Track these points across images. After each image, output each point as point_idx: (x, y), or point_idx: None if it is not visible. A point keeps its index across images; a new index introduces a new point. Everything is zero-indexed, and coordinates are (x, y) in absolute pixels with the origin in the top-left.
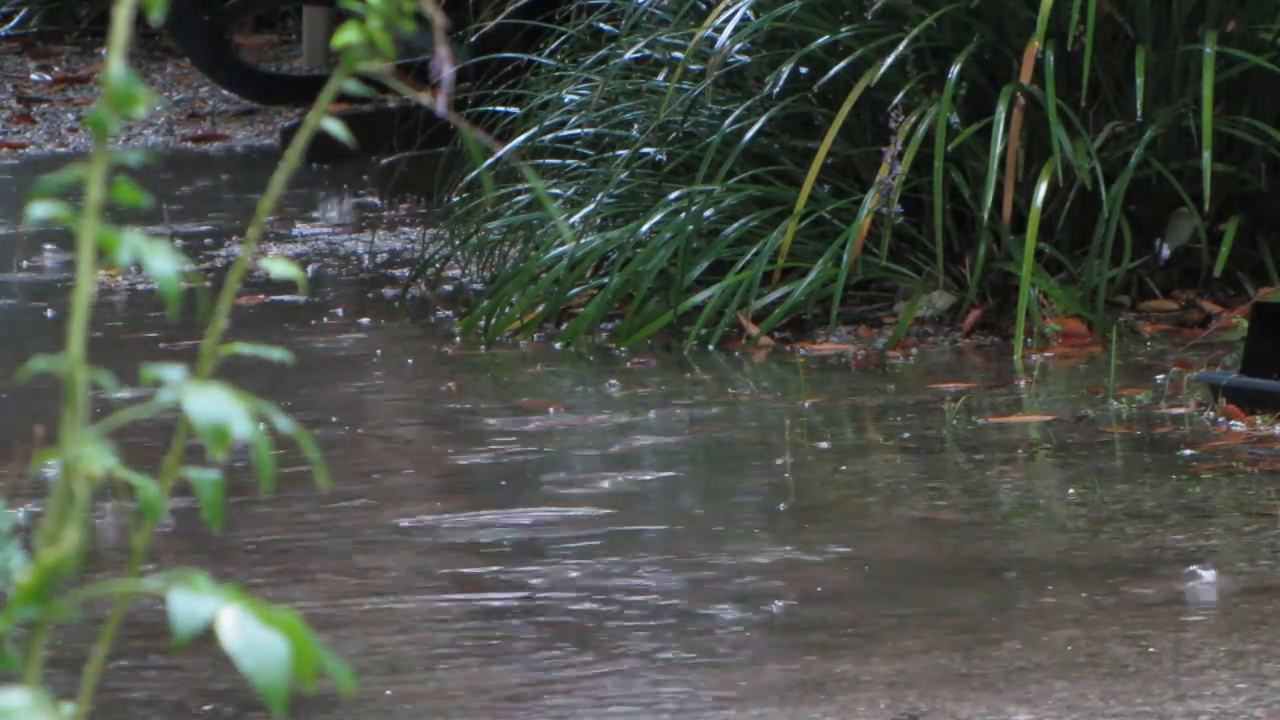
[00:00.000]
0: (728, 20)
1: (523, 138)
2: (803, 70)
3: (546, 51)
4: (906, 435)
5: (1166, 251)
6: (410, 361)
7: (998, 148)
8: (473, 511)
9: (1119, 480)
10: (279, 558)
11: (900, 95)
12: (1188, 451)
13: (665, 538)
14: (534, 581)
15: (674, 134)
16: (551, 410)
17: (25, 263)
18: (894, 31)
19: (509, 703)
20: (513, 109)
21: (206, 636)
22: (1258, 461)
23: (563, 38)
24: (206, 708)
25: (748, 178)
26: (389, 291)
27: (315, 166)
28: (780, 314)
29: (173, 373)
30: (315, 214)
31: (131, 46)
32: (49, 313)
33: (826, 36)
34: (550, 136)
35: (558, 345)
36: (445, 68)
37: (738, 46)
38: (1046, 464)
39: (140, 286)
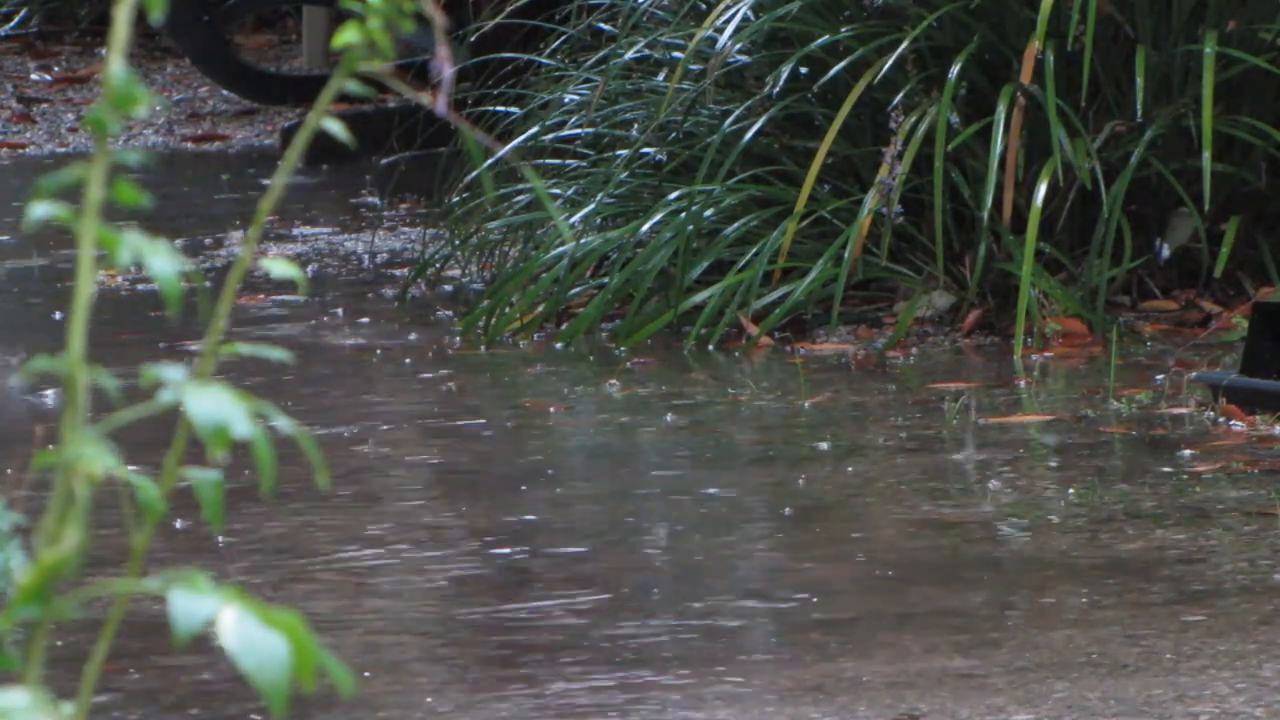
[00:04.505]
0: (728, 20)
1: (523, 138)
2: (803, 70)
3: (546, 51)
4: (906, 435)
5: (1166, 251)
6: (410, 361)
7: (998, 148)
8: (473, 513)
9: (1119, 480)
10: (279, 558)
11: (900, 95)
12: (1188, 451)
13: (664, 538)
14: (534, 581)
15: (674, 134)
16: (552, 410)
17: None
18: (894, 31)
19: (507, 706)
20: (513, 109)
21: (207, 635)
22: (1258, 461)
23: (563, 38)
24: (206, 707)
25: (748, 178)
26: (389, 291)
27: (308, 166)
28: (780, 314)
29: (173, 373)
30: (314, 214)
31: (131, 46)
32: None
33: (826, 36)
34: (550, 136)
35: (558, 345)
36: (445, 68)
37: (738, 46)
38: (1046, 464)
39: (141, 287)
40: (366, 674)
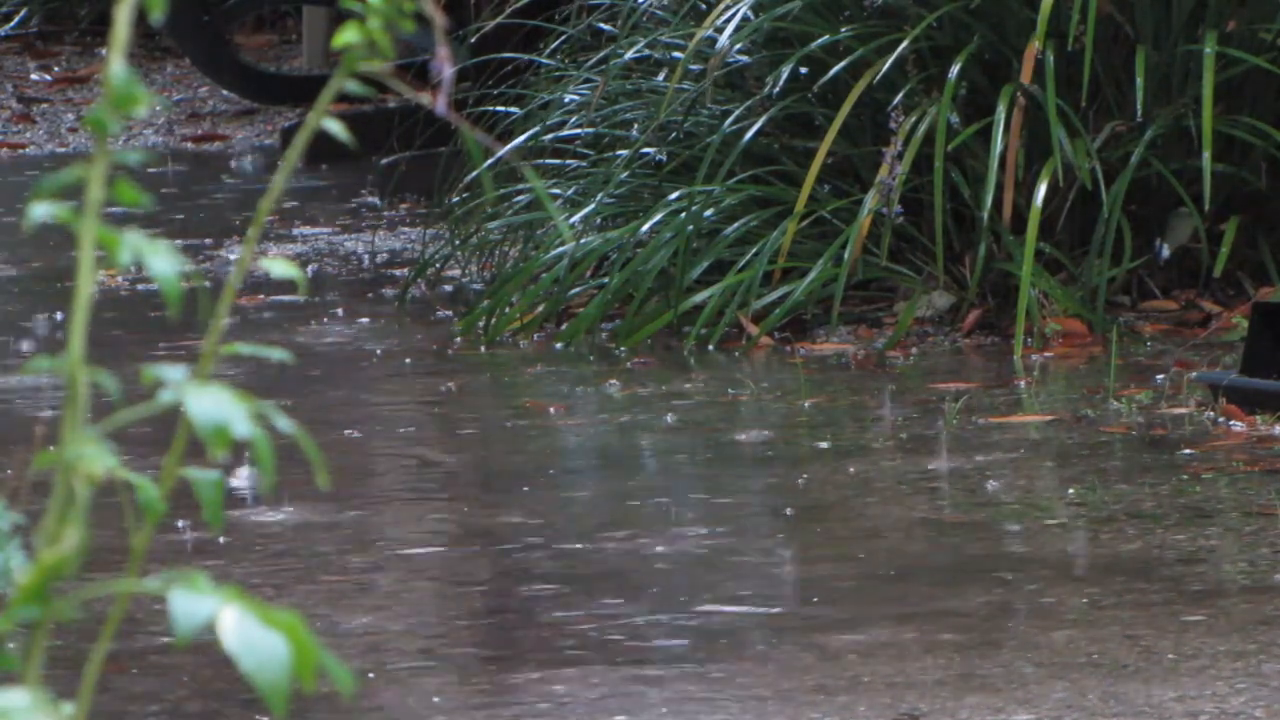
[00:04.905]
0: (728, 20)
1: (523, 138)
2: (803, 70)
3: (546, 51)
4: (906, 435)
5: (1166, 251)
6: (410, 361)
7: (998, 148)
8: (473, 513)
9: (1119, 480)
10: (279, 558)
11: (900, 95)
12: (1188, 451)
13: (664, 538)
14: (534, 580)
15: (674, 134)
16: (552, 410)
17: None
18: (894, 31)
19: (508, 706)
20: (513, 109)
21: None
22: (1258, 461)
23: (563, 38)
24: (206, 708)
25: (748, 178)
26: (389, 291)
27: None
28: (780, 314)
29: (173, 373)
30: (314, 214)
31: (131, 46)
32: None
33: (826, 36)
34: (550, 136)
35: (558, 345)
36: (445, 68)
37: (738, 46)
38: (1046, 464)
39: (141, 287)
40: (370, 675)
